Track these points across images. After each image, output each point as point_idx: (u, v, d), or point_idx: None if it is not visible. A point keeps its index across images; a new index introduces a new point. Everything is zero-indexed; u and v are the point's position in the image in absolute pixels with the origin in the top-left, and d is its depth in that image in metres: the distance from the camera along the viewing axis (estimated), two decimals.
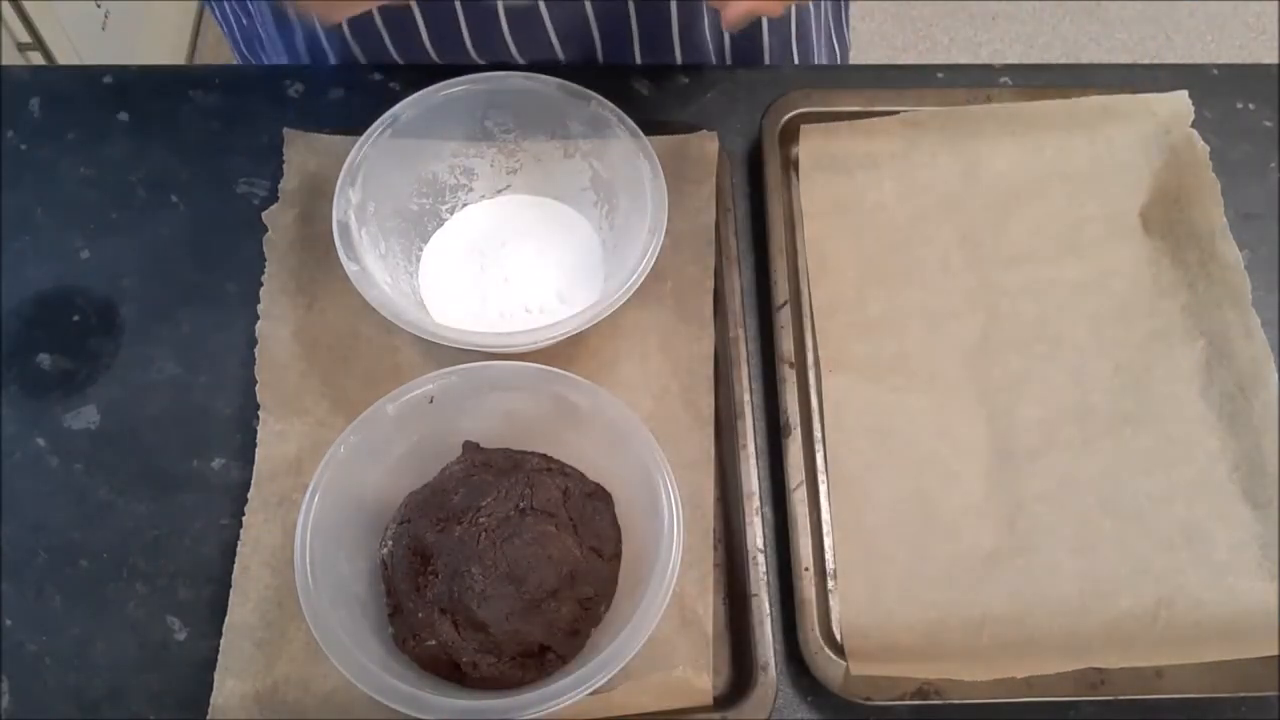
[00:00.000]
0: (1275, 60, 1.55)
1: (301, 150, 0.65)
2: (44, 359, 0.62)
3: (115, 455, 0.59)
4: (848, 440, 0.58)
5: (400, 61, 0.71)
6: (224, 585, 0.54)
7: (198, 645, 0.54)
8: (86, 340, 0.62)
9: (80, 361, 0.61)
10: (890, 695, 0.51)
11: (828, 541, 0.56)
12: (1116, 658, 0.52)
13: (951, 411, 0.59)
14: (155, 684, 0.54)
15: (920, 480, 0.57)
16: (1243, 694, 0.52)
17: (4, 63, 1.07)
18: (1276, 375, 0.58)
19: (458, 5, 0.66)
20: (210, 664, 0.52)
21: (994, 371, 0.60)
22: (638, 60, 0.71)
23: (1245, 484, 0.56)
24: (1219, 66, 0.71)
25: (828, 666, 0.52)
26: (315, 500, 0.50)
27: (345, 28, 0.69)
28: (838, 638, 0.53)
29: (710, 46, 0.72)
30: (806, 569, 0.54)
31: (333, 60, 0.72)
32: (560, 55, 0.70)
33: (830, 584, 0.55)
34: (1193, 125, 0.64)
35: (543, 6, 0.66)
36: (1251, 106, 0.70)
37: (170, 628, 0.55)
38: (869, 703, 0.51)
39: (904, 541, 0.56)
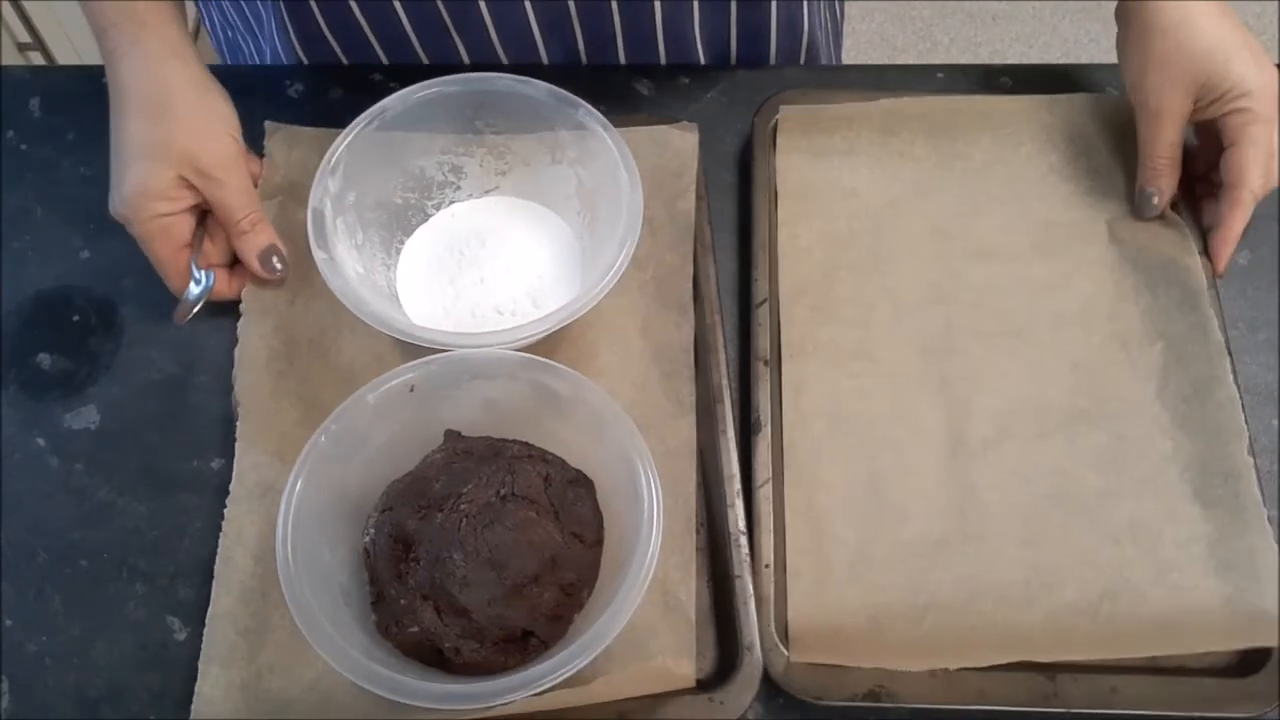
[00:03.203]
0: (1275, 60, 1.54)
1: (283, 143, 0.65)
2: (44, 359, 0.62)
3: (115, 455, 0.59)
4: (805, 424, 0.58)
5: (385, 61, 0.71)
6: None
7: (198, 645, 0.54)
8: (86, 340, 0.62)
9: (80, 361, 0.62)
10: (841, 695, 0.51)
11: (790, 538, 0.56)
12: (1055, 649, 0.52)
13: (910, 399, 0.59)
14: (155, 684, 0.54)
15: (874, 465, 0.57)
16: (1199, 713, 0.51)
17: (4, 63, 1.07)
18: (1232, 375, 0.57)
19: (440, 4, 0.66)
20: None
21: (954, 361, 0.60)
22: (622, 59, 0.71)
23: (1195, 483, 0.56)
24: None
25: (781, 664, 0.52)
26: (297, 488, 0.50)
27: (325, 27, 0.69)
28: (790, 631, 0.54)
29: (700, 47, 0.72)
30: (767, 565, 0.54)
31: (305, 60, 0.73)
32: (544, 54, 0.70)
33: (790, 583, 0.55)
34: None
35: (527, 5, 0.66)
36: None
37: (170, 628, 0.55)
38: (820, 702, 0.51)
39: (854, 524, 0.56)
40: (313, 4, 0.68)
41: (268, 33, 0.74)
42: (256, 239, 0.60)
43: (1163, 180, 0.62)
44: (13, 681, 0.54)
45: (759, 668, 0.52)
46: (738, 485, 0.56)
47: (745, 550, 0.54)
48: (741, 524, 0.55)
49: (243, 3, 0.75)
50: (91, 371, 0.62)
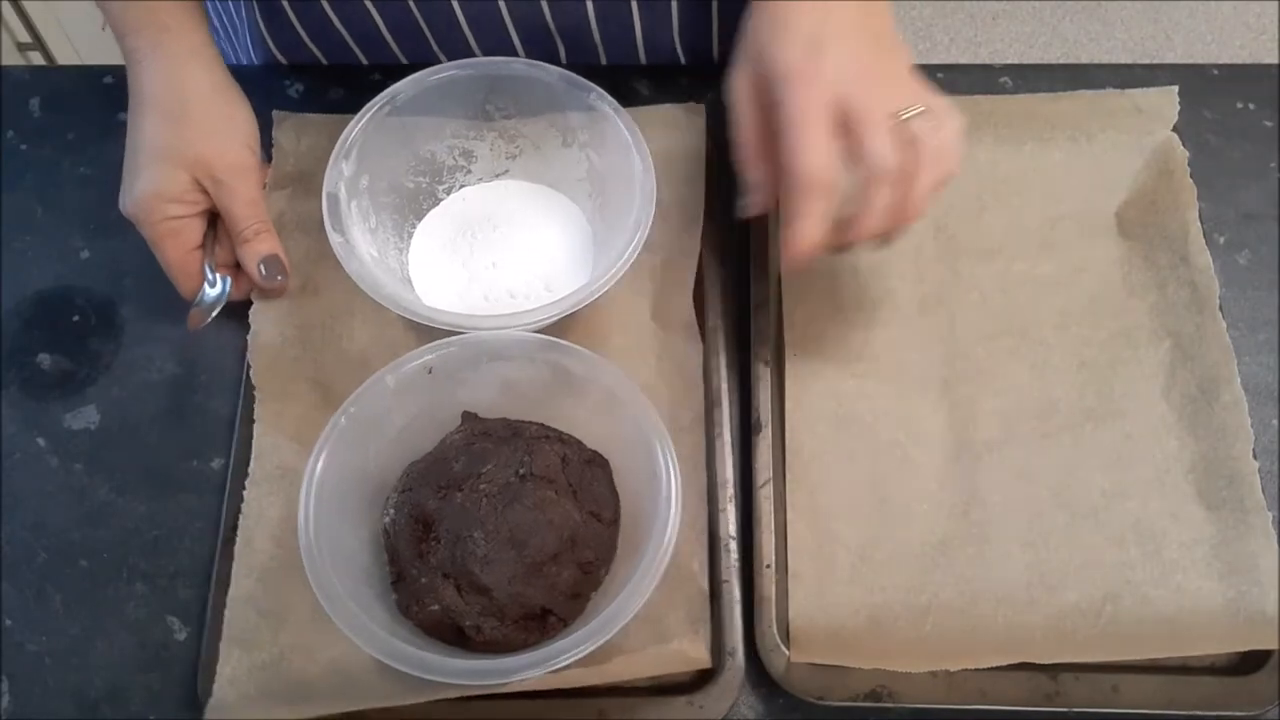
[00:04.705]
0: (1275, 60, 1.55)
1: (291, 132, 0.65)
2: (44, 359, 0.62)
3: (115, 455, 0.59)
4: (807, 424, 0.58)
5: (365, 62, 0.71)
6: (224, 585, 0.54)
7: (198, 645, 0.54)
8: (86, 340, 0.62)
9: (80, 361, 0.62)
10: (842, 696, 0.51)
11: (791, 539, 0.56)
12: (1056, 651, 0.52)
13: (914, 400, 0.59)
14: (155, 684, 0.54)
15: (877, 466, 0.57)
16: (1200, 712, 0.51)
17: (4, 63, 1.07)
18: (1238, 378, 0.58)
19: (413, 5, 0.66)
20: (211, 663, 0.52)
21: (958, 363, 0.60)
22: (603, 61, 0.72)
23: (1200, 485, 0.56)
24: (1219, 66, 0.71)
25: (782, 664, 0.52)
26: (318, 469, 0.50)
27: (302, 31, 0.69)
28: (791, 631, 0.53)
29: (680, 49, 0.72)
30: (768, 565, 0.54)
31: (283, 61, 0.73)
32: (522, 55, 0.70)
33: (791, 584, 0.55)
34: (1193, 125, 0.64)
35: (503, 7, 0.66)
36: (1251, 106, 0.70)
37: (170, 628, 0.55)
38: (821, 702, 0.51)
39: (857, 526, 0.56)
40: (287, 7, 0.68)
41: (243, 40, 0.74)
42: (258, 246, 0.60)
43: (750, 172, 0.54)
44: (13, 681, 0.54)
45: (740, 673, 0.52)
46: (731, 490, 0.56)
47: (735, 555, 0.54)
48: (733, 529, 0.55)
49: (218, 7, 0.75)
50: (91, 371, 0.61)
